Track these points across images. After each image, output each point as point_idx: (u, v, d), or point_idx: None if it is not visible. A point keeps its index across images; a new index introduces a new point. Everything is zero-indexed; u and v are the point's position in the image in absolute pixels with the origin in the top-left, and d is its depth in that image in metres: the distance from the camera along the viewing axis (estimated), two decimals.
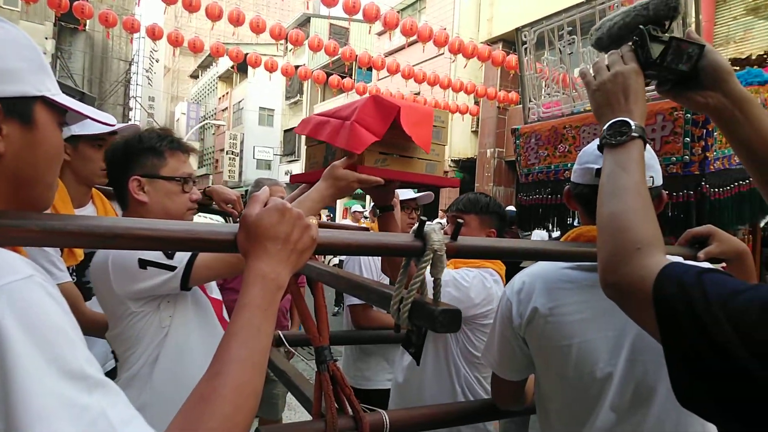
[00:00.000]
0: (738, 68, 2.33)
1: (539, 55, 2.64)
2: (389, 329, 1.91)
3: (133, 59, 19.33)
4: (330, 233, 0.69)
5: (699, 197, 1.89)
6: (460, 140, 14.51)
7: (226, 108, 30.81)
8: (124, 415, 0.46)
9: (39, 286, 0.47)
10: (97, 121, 0.70)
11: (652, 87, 1.99)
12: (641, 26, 0.80)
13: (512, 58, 9.29)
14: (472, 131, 14.31)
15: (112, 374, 1.88)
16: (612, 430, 0.96)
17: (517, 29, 2.72)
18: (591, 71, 0.88)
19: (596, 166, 1.05)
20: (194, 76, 37.76)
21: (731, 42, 8.81)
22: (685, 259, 1.07)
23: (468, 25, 13.35)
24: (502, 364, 1.13)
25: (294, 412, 3.92)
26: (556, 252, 0.91)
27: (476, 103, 13.05)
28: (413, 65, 10.69)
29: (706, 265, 1.06)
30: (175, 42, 8.70)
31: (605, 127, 0.80)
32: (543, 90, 2.65)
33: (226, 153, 27.08)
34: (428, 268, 0.74)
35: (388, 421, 1.00)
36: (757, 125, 0.75)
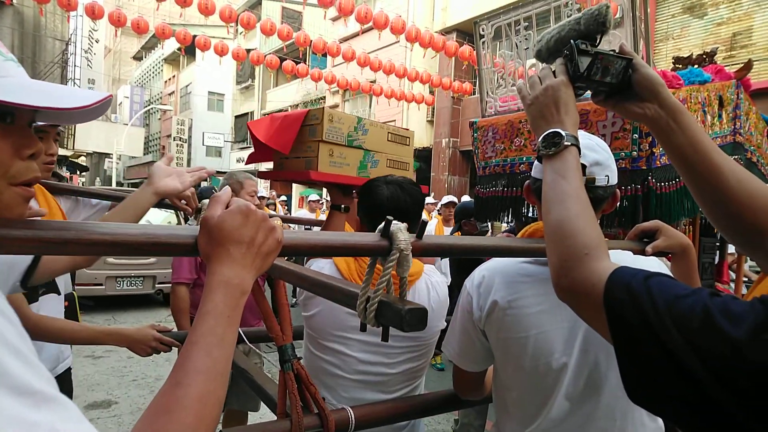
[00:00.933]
0: (681, 67, 2.45)
1: (496, 48, 2.68)
2: None
3: (70, 39, 18.08)
4: (295, 234, 0.67)
5: (646, 191, 1.97)
6: (416, 129, 14.48)
7: (173, 92, 29.49)
8: (76, 429, 0.43)
9: None
10: (50, 109, 0.56)
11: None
12: (571, 41, 0.85)
13: (466, 49, 9.40)
14: (427, 121, 14.44)
15: (66, 375, 1.80)
16: (566, 417, 1.00)
17: (474, 22, 2.74)
18: (527, 86, 0.93)
19: None
20: (138, 57, 35.84)
21: (670, 38, 9.31)
22: (634, 253, 1.14)
23: (422, 14, 13.38)
24: (462, 355, 1.16)
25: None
26: (517, 249, 0.93)
27: (431, 92, 13.15)
28: (369, 53, 10.60)
29: (653, 261, 1.13)
30: (117, 22, 8.21)
31: (540, 140, 0.85)
32: (499, 83, 2.70)
33: (174, 139, 25.99)
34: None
35: (353, 416, 1.00)
36: (689, 133, 0.80)
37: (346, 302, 0.79)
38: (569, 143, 0.83)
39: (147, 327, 1.72)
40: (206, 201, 1.90)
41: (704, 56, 2.54)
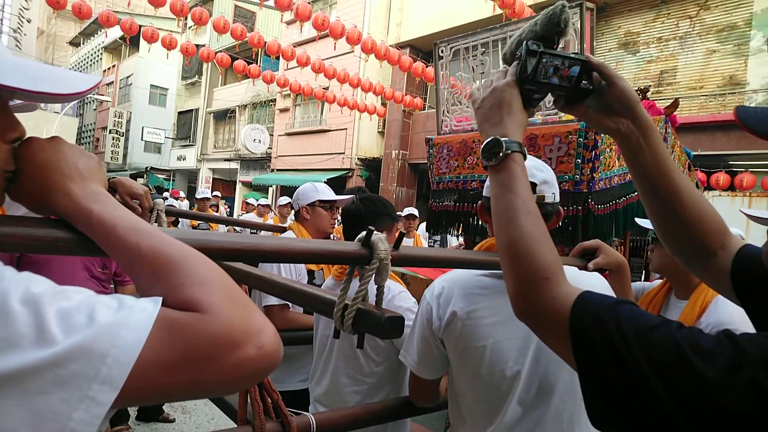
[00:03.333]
0: None
1: (454, 69, 2.79)
2: (306, 330, 1.90)
3: None
4: (279, 241, 0.69)
5: (585, 212, 2.13)
6: (366, 140, 14.71)
7: (112, 82, 27.90)
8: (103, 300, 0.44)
9: None
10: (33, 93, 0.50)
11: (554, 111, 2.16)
12: (524, 42, 0.82)
13: (419, 65, 9.62)
14: (378, 132, 14.59)
15: None
16: (518, 422, 1.07)
17: (434, 43, 2.85)
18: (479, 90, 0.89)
19: None
20: (75, 43, 33.65)
21: None
22: (579, 269, 1.24)
23: (377, 26, 13.56)
24: (420, 363, 1.19)
25: (213, 418, 3.71)
26: (484, 261, 0.99)
27: (383, 104, 13.31)
28: (323, 59, 10.59)
29: (596, 277, 1.22)
30: (56, 4, 7.69)
31: (480, 150, 0.81)
32: (455, 103, 2.81)
33: (109, 132, 24.52)
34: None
35: (314, 423, 1.01)
36: (656, 152, 0.79)
37: (322, 310, 0.80)
38: (510, 150, 0.77)
39: None
40: (159, 201, 1.85)
41: (638, 92, 2.79)
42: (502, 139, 0.77)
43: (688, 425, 0.50)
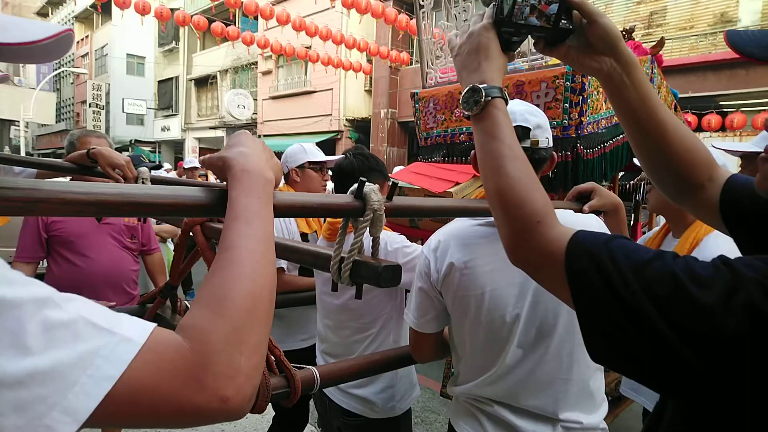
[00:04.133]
0: None
1: (435, 19, 2.71)
2: (303, 292, 1.91)
3: None
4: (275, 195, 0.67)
5: (575, 157, 2.12)
6: (354, 100, 14.45)
7: (87, 54, 26.91)
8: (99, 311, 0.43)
9: None
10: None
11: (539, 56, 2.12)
12: None
13: (403, 18, 9.33)
14: (365, 90, 14.31)
15: None
16: (519, 363, 1.10)
17: None
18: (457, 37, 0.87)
19: None
20: (42, 13, 32.17)
21: None
22: (575, 212, 1.25)
23: None
24: (420, 318, 1.21)
25: None
26: (480, 209, 0.98)
27: (369, 61, 12.99)
28: (304, 17, 10.23)
29: (592, 218, 1.23)
30: None
31: (461, 99, 0.79)
32: (438, 55, 2.74)
33: (89, 105, 23.84)
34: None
35: (318, 375, 1.03)
36: (640, 89, 0.78)
37: (317, 264, 0.80)
38: (492, 96, 0.75)
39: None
40: (144, 169, 1.81)
41: (624, 33, 2.73)
42: (481, 86, 0.75)
43: (689, 354, 0.51)
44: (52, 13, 30.96)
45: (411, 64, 12.57)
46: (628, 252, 0.58)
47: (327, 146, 13.27)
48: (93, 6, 22.99)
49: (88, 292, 1.96)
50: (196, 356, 0.45)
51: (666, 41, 2.93)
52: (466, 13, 2.53)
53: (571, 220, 1.18)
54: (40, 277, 2.20)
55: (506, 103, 0.78)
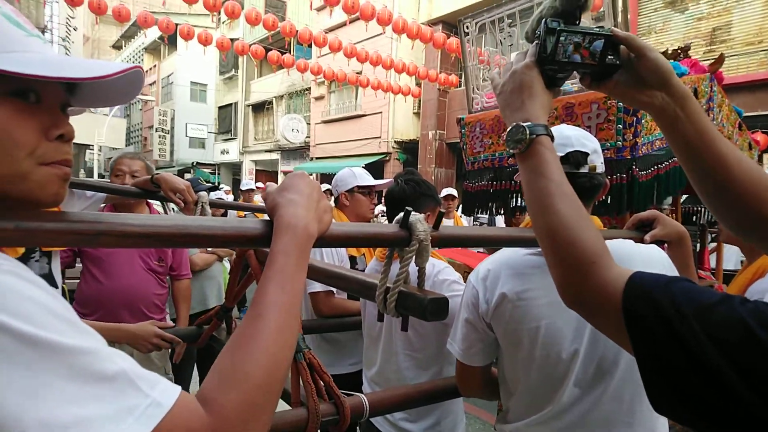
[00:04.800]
0: None
1: (481, 43, 2.71)
2: (353, 316, 1.92)
3: (46, 26, 17.55)
4: None
5: (630, 180, 2.04)
6: (402, 122, 14.61)
7: (154, 82, 28.89)
8: (144, 372, 0.48)
9: (10, 274, 0.44)
10: (58, 78, 0.51)
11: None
12: (543, 20, 0.77)
13: (453, 41, 9.40)
14: (413, 113, 14.44)
15: None
16: (576, 404, 1.03)
17: (459, 20, 2.77)
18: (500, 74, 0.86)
19: (558, 153, 1.11)
20: (117, 46, 35.00)
21: (653, 32, 9.44)
22: (635, 242, 1.18)
23: (408, 5, 13.32)
24: (466, 350, 1.16)
25: None
26: (531, 238, 0.96)
27: (418, 84, 13.13)
28: (355, 43, 10.53)
29: (654, 249, 1.16)
30: (98, 9, 8.00)
31: (505, 138, 0.78)
32: (485, 79, 2.73)
33: (156, 130, 25.50)
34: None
35: (367, 403, 1.02)
36: (695, 121, 0.75)
37: (363, 293, 0.81)
38: (536, 134, 0.74)
39: (147, 323, 1.72)
40: (203, 193, 1.90)
41: (679, 51, 2.62)
42: (524, 124, 0.75)
43: (760, 405, 0.47)
44: (125, 46, 33.59)
45: (460, 86, 12.59)
46: (690, 295, 0.54)
47: (375, 168, 13.43)
48: (161, 38, 24.72)
49: (105, 312, 2.03)
50: (213, 429, 0.49)
51: (732, 57, 2.78)
52: (512, 38, 2.52)
53: (632, 252, 1.11)
54: (71, 292, 2.27)
55: (552, 140, 0.76)
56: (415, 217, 0.76)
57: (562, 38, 0.75)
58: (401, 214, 0.77)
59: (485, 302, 1.11)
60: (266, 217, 0.67)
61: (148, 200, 2.24)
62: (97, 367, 0.44)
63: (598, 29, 0.77)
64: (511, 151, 0.77)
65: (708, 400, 0.50)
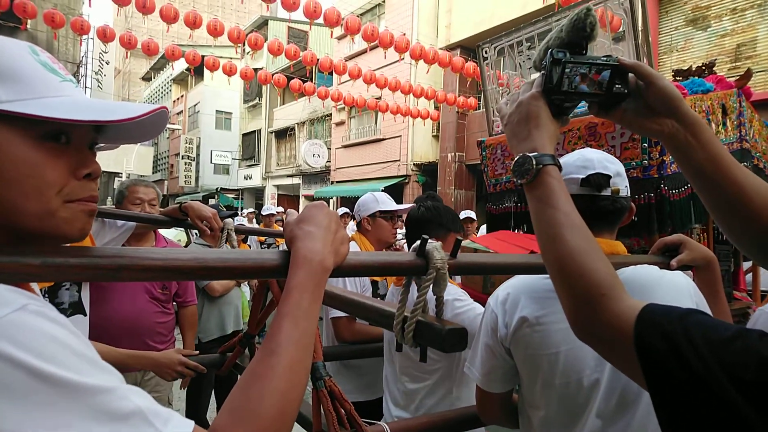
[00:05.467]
0: (681, 79, 2.47)
1: (500, 66, 2.72)
2: (374, 342, 1.91)
3: (81, 61, 18.44)
4: None
5: (659, 199, 1.98)
6: (421, 145, 14.70)
7: (181, 111, 29.88)
8: (162, 411, 0.48)
9: (36, 315, 0.45)
10: (97, 121, 0.55)
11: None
12: (549, 50, 0.78)
13: (470, 65, 9.49)
14: (433, 136, 14.52)
15: None
16: None
17: (477, 45, 2.80)
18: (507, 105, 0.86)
19: (579, 176, 1.10)
20: (146, 78, 36.46)
21: (674, 51, 9.36)
22: (660, 267, 1.14)
23: (426, 31, 13.55)
24: (486, 375, 1.13)
25: None
26: None
27: (436, 108, 13.24)
28: (374, 70, 10.73)
29: (679, 275, 1.12)
30: (128, 44, 8.38)
31: (512, 169, 0.78)
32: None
33: (182, 158, 26.25)
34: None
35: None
36: (708, 148, 0.74)
37: (381, 322, 0.80)
38: (543, 164, 0.74)
39: (172, 351, 1.74)
40: (228, 220, 1.94)
41: (704, 68, 2.57)
42: (531, 154, 0.75)
43: None
44: (154, 77, 34.94)
45: (478, 108, 12.64)
46: (704, 329, 0.53)
47: (395, 190, 13.48)
48: (187, 69, 25.65)
49: (105, 340, 2.02)
50: None
51: (759, 73, 2.72)
52: (531, 61, 2.53)
53: (657, 277, 1.07)
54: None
55: (560, 170, 0.76)
56: (432, 245, 0.75)
57: (567, 69, 0.75)
58: (418, 242, 0.77)
59: (504, 326, 1.08)
60: (284, 246, 0.68)
61: (157, 229, 2.28)
62: (113, 405, 0.45)
63: (604, 59, 0.76)
64: (518, 181, 0.77)
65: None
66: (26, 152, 0.53)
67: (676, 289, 1.06)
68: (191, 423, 0.49)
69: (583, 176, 1.08)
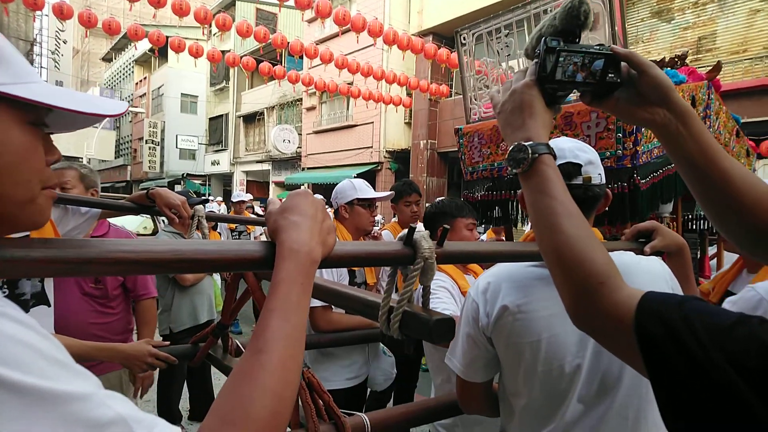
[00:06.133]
0: None
1: (478, 54, 2.72)
2: (350, 331, 1.90)
3: (35, 39, 17.45)
4: None
5: (632, 188, 2.03)
6: (394, 131, 14.66)
7: (144, 94, 28.80)
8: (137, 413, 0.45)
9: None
10: (91, 114, 0.56)
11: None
12: (543, 39, 0.77)
13: (443, 52, 9.47)
14: (405, 123, 14.50)
15: None
16: (579, 420, 1.01)
17: (456, 31, 2.78)
18: (500, 93, 0.85)
19: None
20: (107, 59, 34.88)
21: (640, 42, 9.59)
22: (635, 254, 1.18)
23: (398, 16, 13.44)
24: (467, 365, 1.13)
25: None
26: (535, 252, 0.94)
27: (409, 94, 13.20)
28: (346, 54, 10.58)
29: (654, 260, 1.15)
30: (88, 23, 7.97)
31: (506, 158, 0.77)
32: (483, 89, 2.74)
33: (146, 142, 25.36)
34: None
35: (368, 423, 1.00)
36: (699, 139, 0.74)
37: (366, 312, 0.79)
38: (538, 153, 0.74)
39: (142, 342, 1.68)
40: (199, 207, 1.88)
41: (676, 59, 2.64)
42: (526, 143, 0.74)
43: None
44: (115, 58, 33.49)
45: (450, 96, 12.67)
46: (704, 317, 0.53)
47: (368, 177, 13.41)
48: (151, 50, 24.69)
49: None
50: None
51: None
52: (509, 48, 2.53)
53: (634, 263, 1.10)
54: None
55: (554, 159, 0.76)
56: (420, 233, 0.74)
57: (561, 58, 0.75)
58: (404, 231, 0.75)
59: (486, 316, 1.08)
60: (264, 237, 0.65)
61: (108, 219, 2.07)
62: (92, 414, 0.41)
63: (598, 48, 0.76)
64: (513, 170, 0.76)
65: (728, 423, 0.49)
66: (21, 137, 0.51)
67: (651, 274, 1.10)
68: (177, 429, 0.46)
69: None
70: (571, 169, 1.09)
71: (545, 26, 0.82)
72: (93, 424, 0.41)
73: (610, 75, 0.76)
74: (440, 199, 1.75)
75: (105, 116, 0.57)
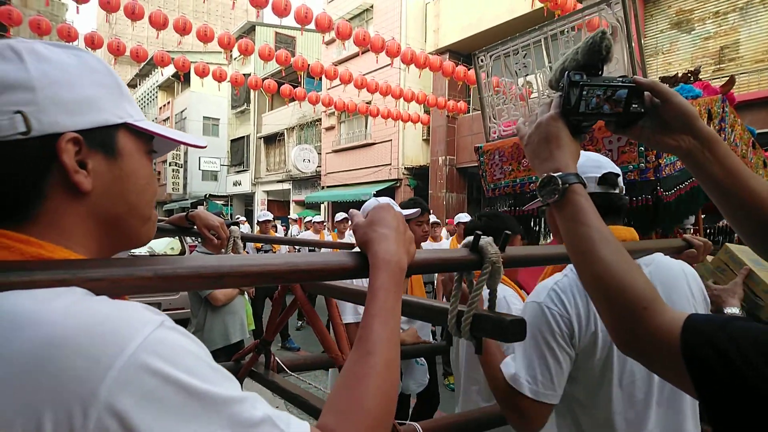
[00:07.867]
0: (669, 85, 2.57)
1: (495, 70, 2.77)
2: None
3: None
4: None
5: (655, 200, 2.04)
6: (412, 148, 14.77)
7: (168, 118, 29.60)
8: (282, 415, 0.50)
9: (173, 330, 0.47)
10: (190, 144, 0.68)
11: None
12: (566, 72, 0.79)
13: (461, 69, 9.57)
14: (423, 140, 14.60)
15: None
16: (664, 421, 1.04)
17: (473, 54, 2.85)
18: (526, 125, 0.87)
19: (595, 175, 1.16)
20: (132, 85, 36.07)
21: (659, 53, 9.54)
22: (671, 256, 1.23)
23: (414, 35, 13.64)
24: (546, 385, 1.03)
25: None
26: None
27: (426, 112, 13.32)
28: (364, 74, 10.76)
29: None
30: (117, 51, 8.31)
31: (537, 189, 0.78)
32: (500, 106, 2.78)
33: (169, 164, 25.99)
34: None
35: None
36: (725, 163, 0.76)
37: (429, 318, 0.82)
38: (569, 183, 0.75)
39: None
40: (234, 228, 1.93)
41: (689, 74, 2.65)
42: (556, 174, 0.76)
43: None
44: (139, 84, 34.59)
45: (468, 112, 12.74)
46: (751, 337, 0.55)
47: (387, 194, 13.49)
48: (174, 75, 25.41)
49: None
50: None
51: (741, 75, 2.81)
52: (526, 69, 2.57)
53: (679, 270, 1.17)
54: None
55: (585, 188, 0.77)
56: (485, 239, 0.77)
57: (584, 91, 0.77)
58: (470, 238, 0.78)
59: (578, 329, 1.05)
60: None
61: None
62: (247, 414, 0.46)
63: (620, 80, 0.78)
64: (546, 202, 0.77)
65: None
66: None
67: (695, 278, 1.17)
68: (306, 424, 0.51)
69: (599, 175, 1.15)
70: (614, 178, 1.14)
71: (568, 60, 0.84)
72: (250, 423, 0.46)
73: (633, 105, 0.79)
74: (487, 214, 1.81)
75: (195, 146, 0.67)
